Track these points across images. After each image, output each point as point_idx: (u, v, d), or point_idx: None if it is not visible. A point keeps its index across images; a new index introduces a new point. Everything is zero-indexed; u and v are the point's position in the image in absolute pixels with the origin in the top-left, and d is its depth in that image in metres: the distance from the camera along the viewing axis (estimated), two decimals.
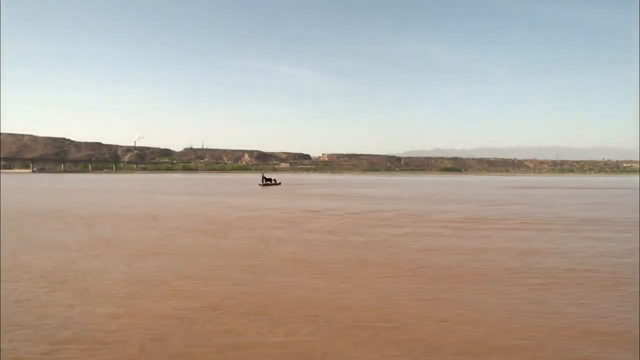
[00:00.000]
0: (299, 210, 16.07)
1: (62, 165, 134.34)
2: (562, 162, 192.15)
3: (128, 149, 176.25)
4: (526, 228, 11.28)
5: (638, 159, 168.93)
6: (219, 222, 12.53)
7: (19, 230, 10.65)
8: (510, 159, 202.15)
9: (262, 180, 39.96)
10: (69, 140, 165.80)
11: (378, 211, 15.94)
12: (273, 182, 40.62)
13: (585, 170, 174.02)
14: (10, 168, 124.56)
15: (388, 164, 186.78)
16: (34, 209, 16.01)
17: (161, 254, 7.64)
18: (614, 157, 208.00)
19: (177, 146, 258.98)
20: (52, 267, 6.69)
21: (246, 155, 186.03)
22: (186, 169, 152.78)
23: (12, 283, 5.69)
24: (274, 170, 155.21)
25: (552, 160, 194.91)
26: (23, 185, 38.82)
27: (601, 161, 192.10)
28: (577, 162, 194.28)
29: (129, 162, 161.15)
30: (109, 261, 7.08)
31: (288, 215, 14.49)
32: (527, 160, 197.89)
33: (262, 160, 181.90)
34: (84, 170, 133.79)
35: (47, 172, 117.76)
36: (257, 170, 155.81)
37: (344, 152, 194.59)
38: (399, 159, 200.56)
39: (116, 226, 11.39)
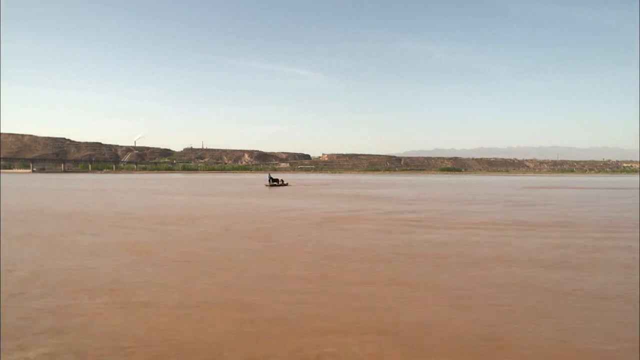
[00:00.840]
0: (335, 211, 15.70)
1: (62, 165, 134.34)
2: (562, 162, 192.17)
3: (128, 149, 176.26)
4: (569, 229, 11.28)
5: (638, 159, 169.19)
6: (264, 223, 12.34)
7: (51, 233, 10.24)
8: (510, 159, 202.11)
9: (269, 181, 39.39)
10: (69, 140, 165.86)
11: (412, 212, 15.54)
12: (280, 182, 40.01)
13: (585, 170, 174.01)
14: (10, 168, 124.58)
15: (388, 164, 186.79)
16: (54, 210, 15.53)
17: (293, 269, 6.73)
18: (614, 157, 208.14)
19: (177, 146, 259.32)
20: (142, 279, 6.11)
21: (246, 155, 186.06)
22: (186, 169, 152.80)
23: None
24: (274, 170, 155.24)
25: (552, 160, 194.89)
26: (28, 185, 38.44)
27: (601, 161, 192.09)
28: (577, 162, 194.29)
29: (129, 162, 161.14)
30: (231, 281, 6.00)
31: (328, 215, 14.23)
32: (527, 160, 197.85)
33: (262, 160, 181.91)
34: (84, 170, 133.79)
35: (47, 172, 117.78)
36: (257, 170, 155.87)
37: (344, 152, 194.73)
38: (399, 159, 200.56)
39: (165, 231, 10.69)
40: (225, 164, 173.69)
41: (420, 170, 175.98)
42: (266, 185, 38.24)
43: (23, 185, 39.13)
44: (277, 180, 40.13)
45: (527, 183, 53.25)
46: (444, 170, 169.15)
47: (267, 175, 44.37)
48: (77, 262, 7.14)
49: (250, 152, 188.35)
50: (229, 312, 4.70)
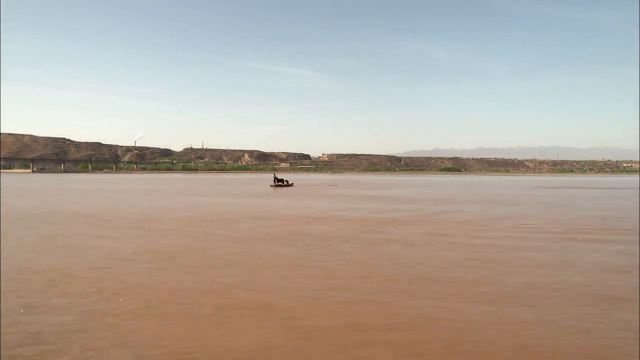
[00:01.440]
0: (367, 213, 15.25)
1: (62, 165, 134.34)
2: (562, 162, 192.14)
3: (128, 149, 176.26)
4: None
5: (638, 159, 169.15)
6: (301, 224, 12.23)
7: (73, 236, 9.87)
8: (510, 159, 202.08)
9: (274, 181, 39.14)
10: (69, 140, 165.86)
11: (443, 212, 15.21)
12: (285, 182, 39.68)
13: (585, 170, 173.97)
14: (10, 168, 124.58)
15: (388, 163, 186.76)
16: (76, 212, 15.24)
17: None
18: (614, 157, 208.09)
19: (177, 146, 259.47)
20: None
21: (246, 155, 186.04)
22: (186, 169, 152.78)
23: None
24: (274, 170, 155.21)
25: (552, 160, 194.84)
26: (33, 185, 38.18)
27: (601, 161, 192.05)
28: (577, 162, 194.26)
29: (129, 162, 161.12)
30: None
31: (363, 218, 13.88)
32: (527, 160, 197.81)
33: (262, 160, 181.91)
34: (84, 170, 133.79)
35: (47, 172, 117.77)
36: (257, 170, 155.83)
37: (344, 152, 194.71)
38: (399, 159, 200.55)
39: (206, 234, 10.29)
40: (225, 164, 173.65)
41: (420, 170, 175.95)
42: (271, 186, 37.75)
43: (28, 185, 38.91)
44: (282, 180, 39.85)
45: (536, 183, 52.48)
46: (444, 170, 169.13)
47: (272, 175, 43.58)
48: (106, 266, 6.92)
49: (250, 152, 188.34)
50: (257, 320, 4.50)
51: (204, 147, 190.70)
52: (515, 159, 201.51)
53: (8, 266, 6.81)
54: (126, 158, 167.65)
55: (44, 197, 23.37)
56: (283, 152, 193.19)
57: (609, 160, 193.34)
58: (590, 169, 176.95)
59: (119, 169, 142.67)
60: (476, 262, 7.31)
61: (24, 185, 39.09)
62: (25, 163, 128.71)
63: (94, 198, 22.97)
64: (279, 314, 4.73)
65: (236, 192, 30.49)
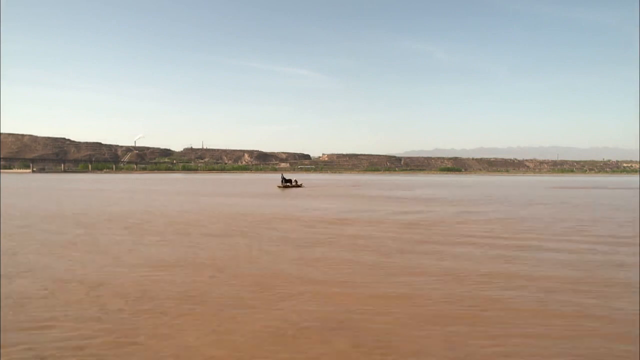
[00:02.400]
0: (440, 215, 14.43)
1: (62, 165, 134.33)
2: (562, 162, 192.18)
3: (128, 149, 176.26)
4: None
5: (638, 159, 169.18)
6: (346, 225, 11.86)
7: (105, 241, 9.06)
8: (510, 159, 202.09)
9: (282, 182, 37.02)
10: (69, 140, 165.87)
11: (512, 218, 14.00)
12: (294, 183, 37.51)
13: (585, 170, 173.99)
14: (10, 168, 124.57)
15: (388, 164, 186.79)
16: (112, 212, 14.69)
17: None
18: (614, 157, 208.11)
19: (177, 146, 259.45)
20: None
21: (246, 155, 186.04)
22: (186, 169, 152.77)
23: None
24: (274, 170, 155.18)
25: (552, 160, 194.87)
26: (40, 186, 37.58)
27: (601, 161, 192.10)
28: (577, 162, 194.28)
29: (129, 162, 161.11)
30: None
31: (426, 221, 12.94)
32: (527, 160, 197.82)
33: (262, 160, 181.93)
34: (84, 170, 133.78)
35: (47, 172, 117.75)
36: (257, 170, 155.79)
37: (344, 152, 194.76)
38: (399, 159, 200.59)
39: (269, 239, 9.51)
40: (225, 164, 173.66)
41: (420, 170, 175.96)
42: (279, 187, 35.84)
43: (34, 185, 38.51)
44: (290, 181, 37.67)
45: (547, 183, 51.63)
46: (444, 171, 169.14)
47: (280, 175, 41.09)
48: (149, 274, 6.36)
49: (250, 152, 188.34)
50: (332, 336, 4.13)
51: (204, 147, 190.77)
52: (515, 159, 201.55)
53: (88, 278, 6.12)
54: (126, 158, 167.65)
55: (68, 198, 22.44)
56: (283, 152, 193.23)
57: (609, 160, 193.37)
58: (590, 169, 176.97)
59: (119, 169, 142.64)
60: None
61: (29, 185, 38.50)
62: (25, 163, 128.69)
63: (117, 199, 21.96)
64: None
65: (253, 192, 29.80)
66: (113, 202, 19.66)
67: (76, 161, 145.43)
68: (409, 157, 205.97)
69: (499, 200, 22.33)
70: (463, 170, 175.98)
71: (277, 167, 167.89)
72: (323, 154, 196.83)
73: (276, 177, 68.46)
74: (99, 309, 4.84)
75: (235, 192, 29.30)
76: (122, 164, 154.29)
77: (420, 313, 4.78)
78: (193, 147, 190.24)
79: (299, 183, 38.23)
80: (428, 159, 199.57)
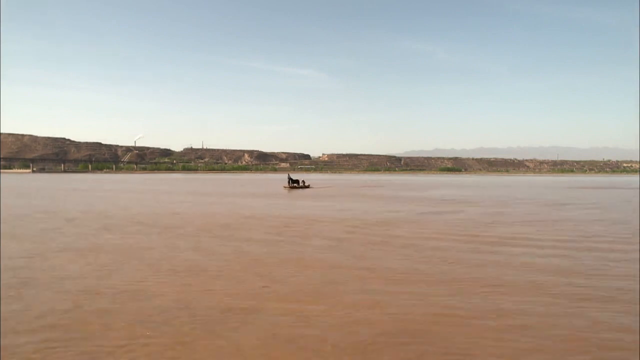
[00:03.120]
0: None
1: (62, 165, 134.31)
2: (562, 162, 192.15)
3: (128, 149, 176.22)
4: None
5: (638, 159, 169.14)
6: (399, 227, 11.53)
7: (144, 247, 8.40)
8: (510, 159, 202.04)
9: (289, 182, 35.34)
10: (69, 140, 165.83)
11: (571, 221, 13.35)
12: (302, 184, 36.09)
13: (585, 170, 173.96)
14: (10, 168, 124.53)
15: (388, 164, 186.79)
16: (133, 215, 14.13)
17: None
18: (614, 157, 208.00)
19: (177, 146, 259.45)
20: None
21: (246, 155, 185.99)
22: (186, 169, 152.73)
23: None
24: (274, 170, 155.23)
25: (552, 160, 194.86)
26: (50, 186, 37.09)
27: (601, 161, 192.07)
28: (577, 162, 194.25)
29: (129, 162, 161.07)
30: None
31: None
32: (527, 160, 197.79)
33: (262, 160, 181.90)
34: (84, 170, 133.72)
35: (47, 172, 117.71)
36: (257, 170, 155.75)
37: (344, 152, 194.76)
38: (399, 159, 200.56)
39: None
40: (225, 164, 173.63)
41: (421, 170, 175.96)
42: (285, 187, 34.59)
43: (44, 185, 38.12)
44: (297, 181, 36.23)
45: (558, 184, 50.91)
46: (444, 170, 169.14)
47: (287, 175, 38.92)
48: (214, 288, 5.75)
49: (250, 152, 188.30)
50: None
51: (204, 147, 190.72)
52: (515, 159, 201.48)
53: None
54: (126, 158, 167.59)
55: (89, 199, 21.78)
56: (283, 152, 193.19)
57: (609, 160, 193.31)
58: (590, 169, 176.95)
59: (119, 169, 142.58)
60: None
61: (40, 185, 37.87)
62: (25, 163, 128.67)
63: (139, 200, 21.20)
64: None
65: (266, 192, 29.40)
66: (138, 204, 18.87)
67: (76, 161, 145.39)
68: (409, 157, 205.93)
69: (526, 201, 21.87)
70: (463, 170, 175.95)
71: (277, 167, 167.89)
72: (323, 154, 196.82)
73: (278, 177, 68.14)
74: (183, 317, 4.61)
75: (248, 193, 28.71)
76: (122, 164, 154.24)
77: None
78: (193, 147, 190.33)
79: (306, 184, 36.97)
80: (428, 159, 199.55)
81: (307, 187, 35.86)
